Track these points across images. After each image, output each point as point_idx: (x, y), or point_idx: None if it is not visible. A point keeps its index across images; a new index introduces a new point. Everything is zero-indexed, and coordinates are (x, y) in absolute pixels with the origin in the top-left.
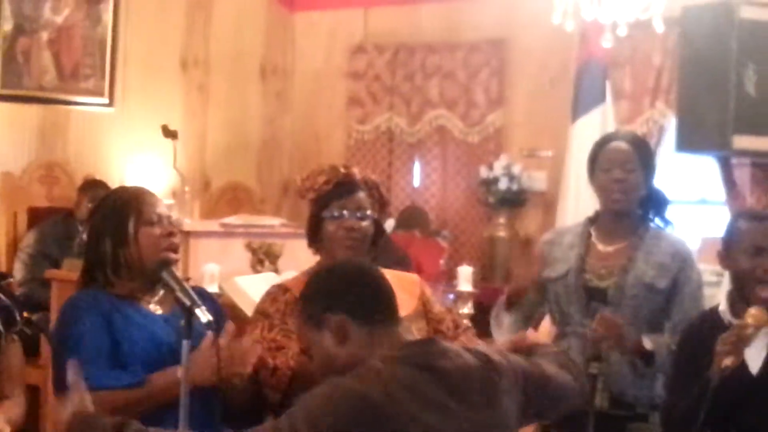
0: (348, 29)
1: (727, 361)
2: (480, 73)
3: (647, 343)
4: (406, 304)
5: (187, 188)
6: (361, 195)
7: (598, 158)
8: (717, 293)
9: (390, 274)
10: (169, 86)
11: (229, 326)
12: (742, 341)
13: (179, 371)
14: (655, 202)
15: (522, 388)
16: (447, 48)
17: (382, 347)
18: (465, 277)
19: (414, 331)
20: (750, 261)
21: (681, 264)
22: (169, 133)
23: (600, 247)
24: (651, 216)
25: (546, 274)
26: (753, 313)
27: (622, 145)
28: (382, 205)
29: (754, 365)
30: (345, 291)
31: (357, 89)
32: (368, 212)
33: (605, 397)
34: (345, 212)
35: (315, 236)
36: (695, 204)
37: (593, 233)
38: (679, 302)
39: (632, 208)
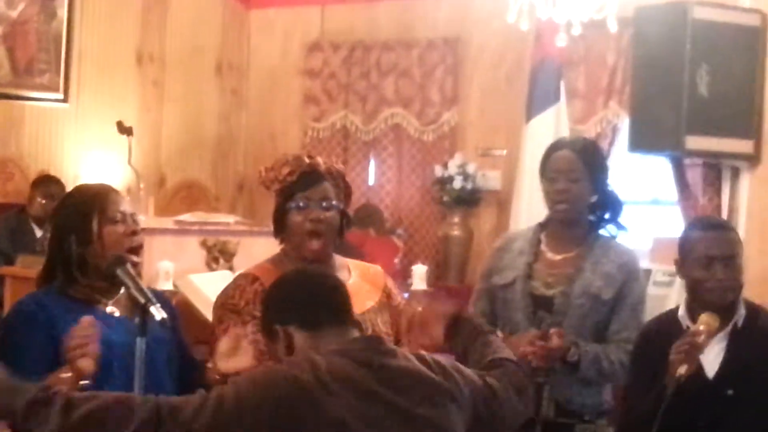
0: (304, 27)
1: (681, 370)
2: (435, 72)
3: (571, 354)
4: (371, 296)
5: (141, 185)
6: (326, 185)
7: (546, 167)
8: (669, 293)
9: (354, 265)
10: (124, 82)
11: (234, 331)
12: (695, 348)
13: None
14: (609, 207)
15: (472, 405)
16: (402, 46)
17: (329, 348)
18: (419, 276)
19: (380, 324)
20: (702, 271)
21: (627, 276)
22: (124, 130)
23: (549, 255)
24: (604, 221)
25: (494, 281)
26: (705, 320)
27: (567, 154)
28: (347, 195)
29: (711, 369)
30: (292, 303)
31: (313, 87)
32: (333, 202)
33: (551, 406)
34: (310, 202)
35: (280, 227)
36: (648, 204)
37: (543, 240)
38: (619, 313)
39: (579, 216)
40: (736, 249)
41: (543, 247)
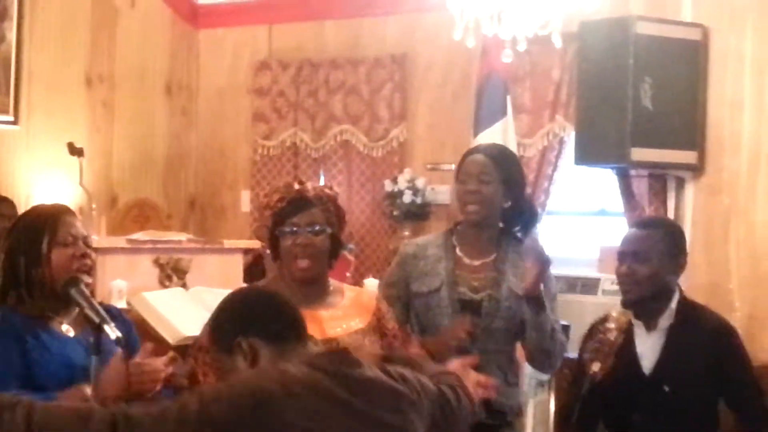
0: (252, 46)
1: (594, 368)
2: (383, 89)
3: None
4: (361, 318)
5: (93, 205)
6: (315, 210)
7: (459, 171)
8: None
9: (349, 289)
10: (74, 103)
11: (147, 345)
12: (605, 346)
13: (87, 388)
14: (523, 216)
15: (431, 412)
16: (350, 64)
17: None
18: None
19: (366, 343)
20: (617, 264)
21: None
22: (75, 150)
23: (466, 260)
24: (516, 230)
25: (415, 288)
26: (614, 316)
27: (479, 157)
28: (339, 218)
29: (647, 364)
30: (253, 315)
31: (262, 105)
32: (323, 227)
33: (482, 407)
34: (298, 228)
35: (275, 252)
36: (595, 215)
37: (456, 245)
38: None
39: (490, 220)
40: (643, 246)
41: (458, 252)
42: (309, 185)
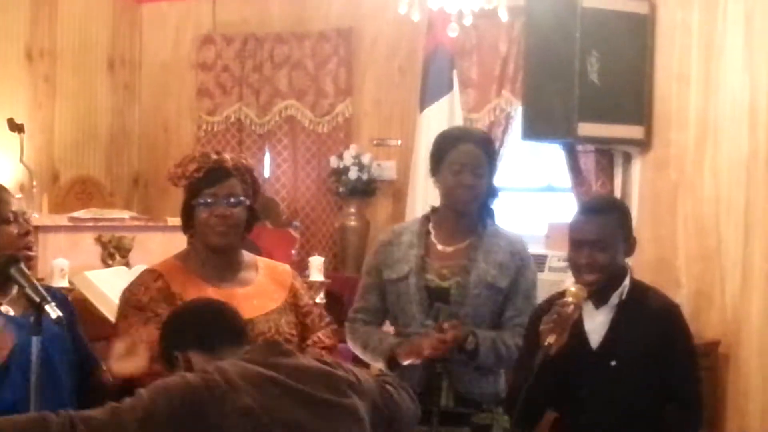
0: (196, 20)
1: (550, 339)
2: (328, 63)
3: (469, 342)
4: (276, 297)
5: (35, 182)
6: (233, 181)
7: (448, 158)
8: (565, 278)
9: (263, 264)
10: (14, 78)
11: (139, 335)
12: (563, 319)
13: None
14: (493, 196)
15: (372, 400)
16: (295, 38)
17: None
18: (316, 267)
19: (284, 325)
20: (572, 252)
21: (519, 263)
22: (15, 127)
23: (440, 246)
24: (488, 211)
25: (387, 275)
26: (573, 291)
27: (473, 148)
28: (255, 190)
29: (595, 340)
30: (188, 329)
31: (206, 80)
32: (240, 198)
33: (450, 396)
34: (216, 199)
35: (188, 223)
36: (542, 191)
37: (432, 231)
38: (513, 300)
39: (475, 208)
40: (602, 234)
41: (433, 238)
42: (226, 155)
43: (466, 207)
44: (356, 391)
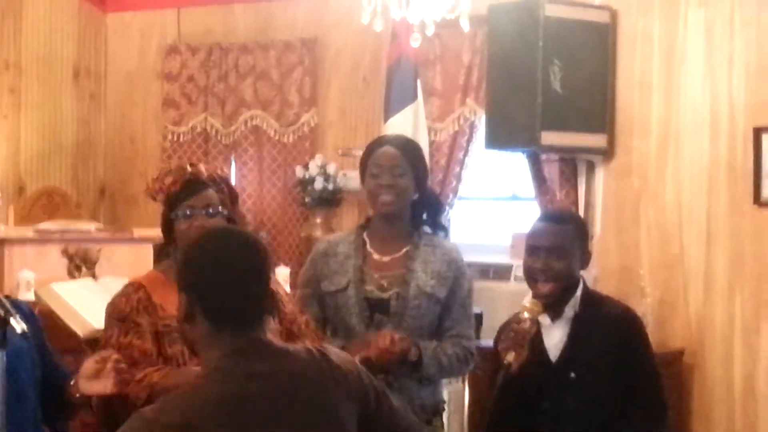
0: (161, 30)
1: (509, 357)
2: (293, 73)
3: (413, 354)
4: None
5: (0, 194)
6: (210, 192)
7: (368, 164)
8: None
9: None
10: None
11: (104, 351)
12: (519, 335)
13: None
14: (429, 207)
15: (358, 400)
16: (260, 48)
17: (219, 351)
18: (282, 278)
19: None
20: (527, 258)
21: (456, 272)
22: None
23: (376, 256)
24: (424, 221)
25: (325, 287)
26: (528, 306)
27: (390, 150)
28: (233, 198)
29: (554, 354)
30: (205, 285)
31: (171, 90)
32: (218, 208)
33: None
34: (194, 210)
35: (169, 236)
36: (506, 200)
37: (367, 241)
38: (450, 310)
39: (403, 212)
40: (560, 241)
41: (369, 248)
42: (201, 166)
43: (389, 209)
44: (342, 390)
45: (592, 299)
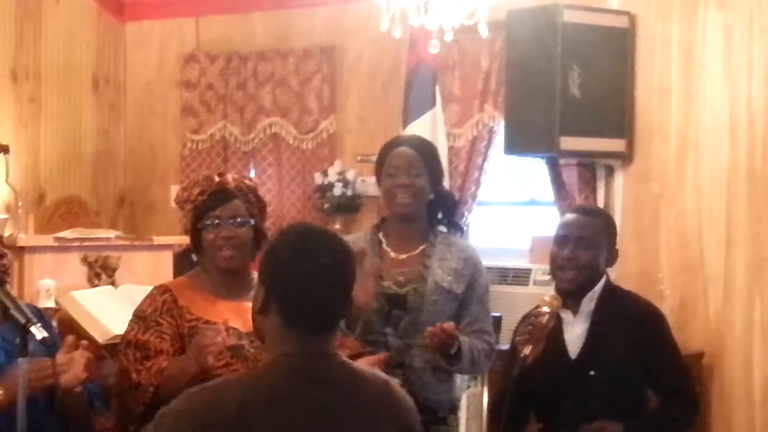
0: (179, 38)
1: (526, 350)
2: (312, 80)
3: (454, 346)
4: None
5: (20, 203)
6: (236, 202)
7: (384, 164)
8: (549, 291)
9: None
10: None
11: (68, 339)
12: (537, 329)
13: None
14: (444, 207)
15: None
16: (278, 56)
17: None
18: None
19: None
20: (554, 247)
21: (473, 269)
22: (1, 147)
23: (393, 254)
24: (439, 220)
25: None
26: (547, 300)
27: (407, 150)
28: (260, 208)
29: (573, 350)
30: (289, 292)
31: (190, 98)
32: (245, 218)
33: None
34: (221, 220)
35: (197, 246)
36: (525, 205)
37: (383, 240)
38: (468, 306)
39: (419, 212)
40: (588, 232)
41: (385, 247)
42: (229, 177)
43: (406, 209)
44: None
45: (614, 295)
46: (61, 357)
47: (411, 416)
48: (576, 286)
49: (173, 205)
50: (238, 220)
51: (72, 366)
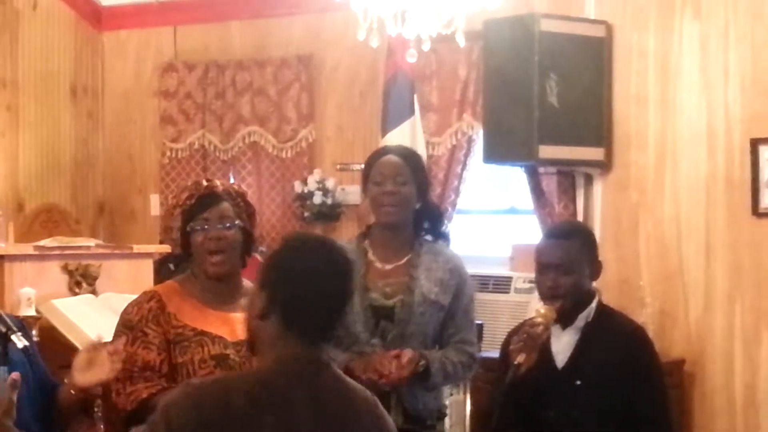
0: (157, 47)
1: (520, 359)
2: (290, 89)
3: (420, 365)
4: None
5: (0, 212)
6: (225, 205)
7: (371, 172)
8: (530, 299)
9: None
10: None
11: (93, 339)
12: (532, 339)
13: None
14: (429, 217)
15: None
16: (256, 64)
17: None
18: None
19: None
20: (538, 275)
21: (458, 279)
22: None
23: (378, 264)
24: (425, 230)
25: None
26: (542, 312)
27: (393, 158)
28: (249, 213)
29: (561, 361)
30: (292, 297)
31: (169, 107)
32: (234, 221)
33: (399, 413)
34: (209, 223)
35: (186, 251)
36: (505, 213)
37: (369, 250)
38: (453, 317)
39: (405, 221)
40: (566, 258)
41: (371, 256)
42: (217, 181)
43: (394, 217)
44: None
45: (604, 312)
46: (83, 356)
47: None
48: (566, 312)
49: (153, 213)
50: (227, 223)
51: (94, 366)
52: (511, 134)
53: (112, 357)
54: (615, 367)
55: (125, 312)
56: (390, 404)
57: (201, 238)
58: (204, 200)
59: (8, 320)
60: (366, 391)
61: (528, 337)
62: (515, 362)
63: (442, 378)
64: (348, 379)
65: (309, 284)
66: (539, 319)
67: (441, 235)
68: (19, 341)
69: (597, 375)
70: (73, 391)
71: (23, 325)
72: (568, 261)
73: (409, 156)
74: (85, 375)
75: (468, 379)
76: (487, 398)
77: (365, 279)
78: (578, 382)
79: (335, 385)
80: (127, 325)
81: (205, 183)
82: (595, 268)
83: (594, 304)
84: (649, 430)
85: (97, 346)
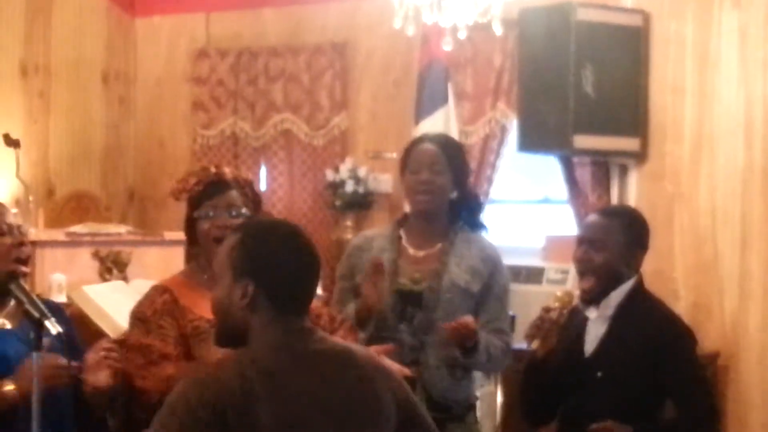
0: (190, 34)
1: (534, 344)
2: (323, 77)
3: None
4: None
5: (30, 197)
6: (233, 193)
7: (408, 160)
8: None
9: None
10: (9, 94)
11: (103, 341)
12: (545, 323)
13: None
14: (467, 205)
15: (401, 401)
16: (290, 51)
17: (274, 334)
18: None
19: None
20: (575, 249)
21: (491, 268)
22: (11, 142)
23: (411, 251)
24: (462, 219)
25: (360, 280)
26: (559, 296)
27: (429, 147)
28: (256, 203)
29: (589, 349)
30: (274, 270)
31: (200, 94)
32: (241, 210)
33: (423, 401)
34: (216, 210)
35: (191, 237)
36: (539, 203)
37: (404, 236)
38: (486, 304)
39: (440, 209)
40: (601, 234)
41: (404, 243)
42: (226, 169)
43: (427, 206)
44: (386, 391)
45: (639, 301)
46: (92, 356)
47: (401, 381)
48: (594, 295)
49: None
50: (234, 211)
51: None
52: (546, 124)
53: (109, 353)
54: (641, 358)
55: (138, 307)
56: (415, 391)
57: (207, 226)
58: (212, 187)
59: (42, 306)
60: (363, 348)
61: (542, 322)
62: (529, 347)
63: (486, 359)
64: (334, 338)
65: (288, 263)
66: (555, 304)
67: (478, 225)
68: (53, 327)
69: (620, 367)
70: (87, 389)
71: (60, 307)
72: (603, 237)
73: (446, 144)
74: (96, 376)
75: (503, 367)
76: (517, 389)
77: (396, 264)
78: (599, 374)
79: (327, 344)
80: (140, 319)
81: (213, 169)
82: (635, 255)
83: (627, 288)
84: (692, 413)
85: (106, 348)
